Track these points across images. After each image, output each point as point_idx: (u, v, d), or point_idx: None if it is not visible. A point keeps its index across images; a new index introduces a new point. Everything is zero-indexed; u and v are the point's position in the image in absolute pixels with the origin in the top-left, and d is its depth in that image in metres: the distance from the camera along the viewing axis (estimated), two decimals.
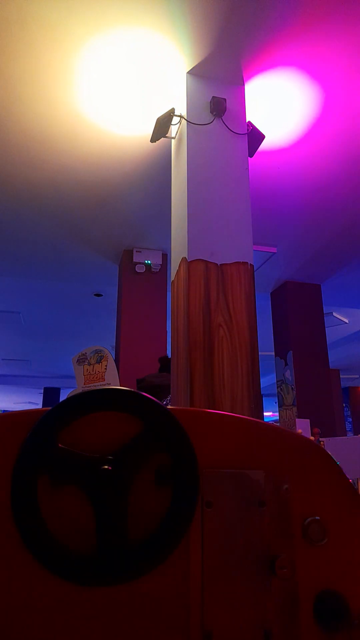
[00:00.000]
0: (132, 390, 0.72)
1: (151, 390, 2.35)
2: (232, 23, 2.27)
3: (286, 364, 5.23)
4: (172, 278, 2.45)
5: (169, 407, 0.73)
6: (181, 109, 2.57)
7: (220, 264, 2.24)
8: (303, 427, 3.20)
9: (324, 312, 5.59)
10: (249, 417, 0.77)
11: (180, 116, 2.56)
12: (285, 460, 0.74)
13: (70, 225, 4.18)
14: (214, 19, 2.25)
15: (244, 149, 2.52)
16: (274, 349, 5.53)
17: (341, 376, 11.01)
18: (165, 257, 4.71)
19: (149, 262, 4.61)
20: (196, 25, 2.27)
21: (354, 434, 10.97)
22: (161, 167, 3.35)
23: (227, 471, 0.72)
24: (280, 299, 5.53)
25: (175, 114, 2.59)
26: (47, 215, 4.00)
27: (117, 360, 4.36)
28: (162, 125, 2.62)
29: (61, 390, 12.26)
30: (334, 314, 6.72)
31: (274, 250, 4.59)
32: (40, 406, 13.54)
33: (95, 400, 0.71)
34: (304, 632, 0.68)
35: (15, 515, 0.66)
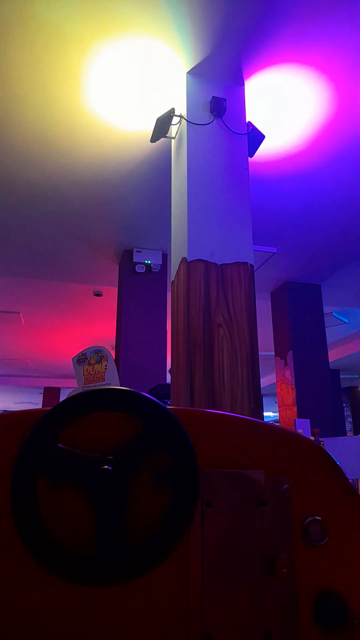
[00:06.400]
0: (132, 390, 0.72)
1: None
2: (231, 22, 2.27)
3: (286, 364, 5.23)
4: (172, 278, 2.45)
5: (169, 407, 0.73)
6: (181, 109, 2.57)
7: (220, 264, 2.24)
8: (303, 427, 3.20)
9: (324, 312, 5.58)
10: (249, 417, 0.77)
11: (180, 116, 2.56)
12: (285, 460, 0.74)
13: (70, 225, 4.18)
14: (213, 19, 2.25)
15: (244, 149, 2.52)
16: (274, 349, 5.53)
17: (341, 376, 11.00)
18: (165, 257, 4.71)
19: (149, 262, 4.61)
20: (196, 25, 2.27)
21: (354, 434, 10.96)
22: (161, 167, 3.35)
23: (227, 471, 0.72)
24: (280, 299, 5.53)
25: (175, 114, 2.59)
26: (47, 215, 4.00)
27: (117, 360, 4.36)
28: (162, 125, 2.62)
29: (61, 390, 12.26)
30: (334, 314, 6.72)
31: (274, 250, 4.59)
32: (40, 406, 13.54)
33: (95, 400, 0.71)
34: (304, 632, 0.67)
35: (15, 515, 0.66)
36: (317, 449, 0.76)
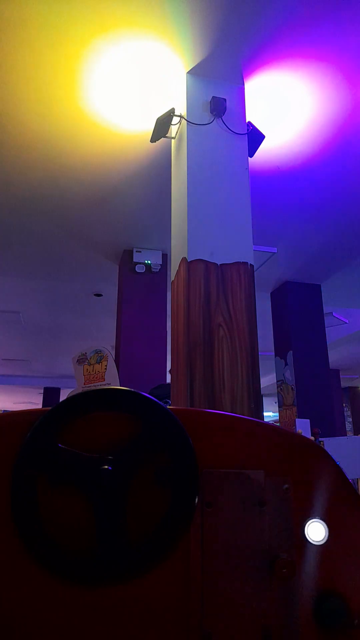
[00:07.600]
0: (132, 390, 0.72)
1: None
2: (231, 22, 2.27)
3: (286, 364, 5.23)
4: (172, 278, 2.45)
5: (169, 407, 0.73)
6: (181, 109, 2.57)
7: (220, 264, 2.24)
8: (303, 427, 3.20)
9: (324, 312, 5.59)
10: (249, 417, 0.77)
11: (180, 116, 2.56)
12: (285, 460, 0.74)
13: (70, 225, 4.18)
14: (213, 19, 2.25)
15: (244, 149, 2.52)
16: (274, 349, 5.53)
17: (341, 376, 11.01)
18: (165, 257, 4.71)
19: (149, 262, 4.61)
20: (196, 25, 2.27)
21: (354, 434, 10.96)
22: (161, 167, 3.35)
23: (227, 471, 0.72)
24: (280, 299, 5.53)
25: (175, 114, 2.59)
26: (47, 215, 3.99)
27: (117, 360, 4.36)
28: (162, 125, 2.62)
29: (61, 390, 12.26)
30: (334, 314, 6.72)
31: (274, 250, 4.59)
32: (40, 406, 13.53)
33: (95, 400, 0.71)
34: (304, 632, 0.67)
35: (15, 515, 0.66)
36: (317, 449, 0.76)
